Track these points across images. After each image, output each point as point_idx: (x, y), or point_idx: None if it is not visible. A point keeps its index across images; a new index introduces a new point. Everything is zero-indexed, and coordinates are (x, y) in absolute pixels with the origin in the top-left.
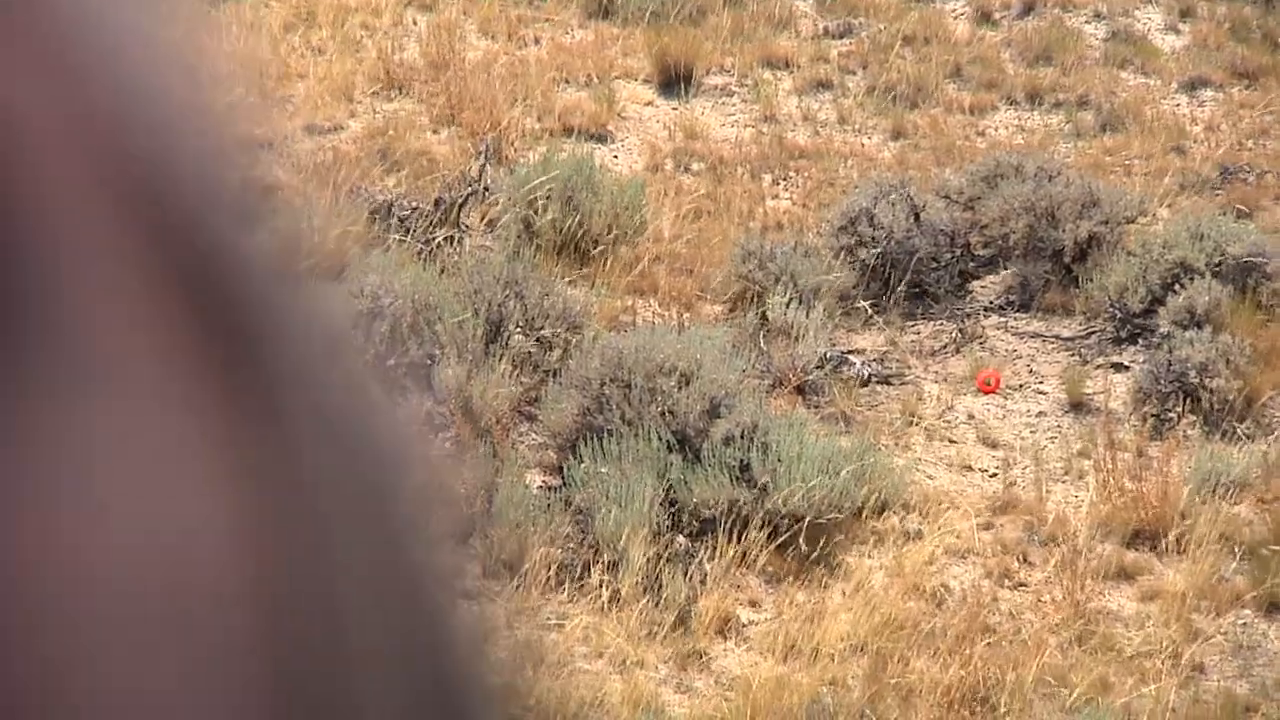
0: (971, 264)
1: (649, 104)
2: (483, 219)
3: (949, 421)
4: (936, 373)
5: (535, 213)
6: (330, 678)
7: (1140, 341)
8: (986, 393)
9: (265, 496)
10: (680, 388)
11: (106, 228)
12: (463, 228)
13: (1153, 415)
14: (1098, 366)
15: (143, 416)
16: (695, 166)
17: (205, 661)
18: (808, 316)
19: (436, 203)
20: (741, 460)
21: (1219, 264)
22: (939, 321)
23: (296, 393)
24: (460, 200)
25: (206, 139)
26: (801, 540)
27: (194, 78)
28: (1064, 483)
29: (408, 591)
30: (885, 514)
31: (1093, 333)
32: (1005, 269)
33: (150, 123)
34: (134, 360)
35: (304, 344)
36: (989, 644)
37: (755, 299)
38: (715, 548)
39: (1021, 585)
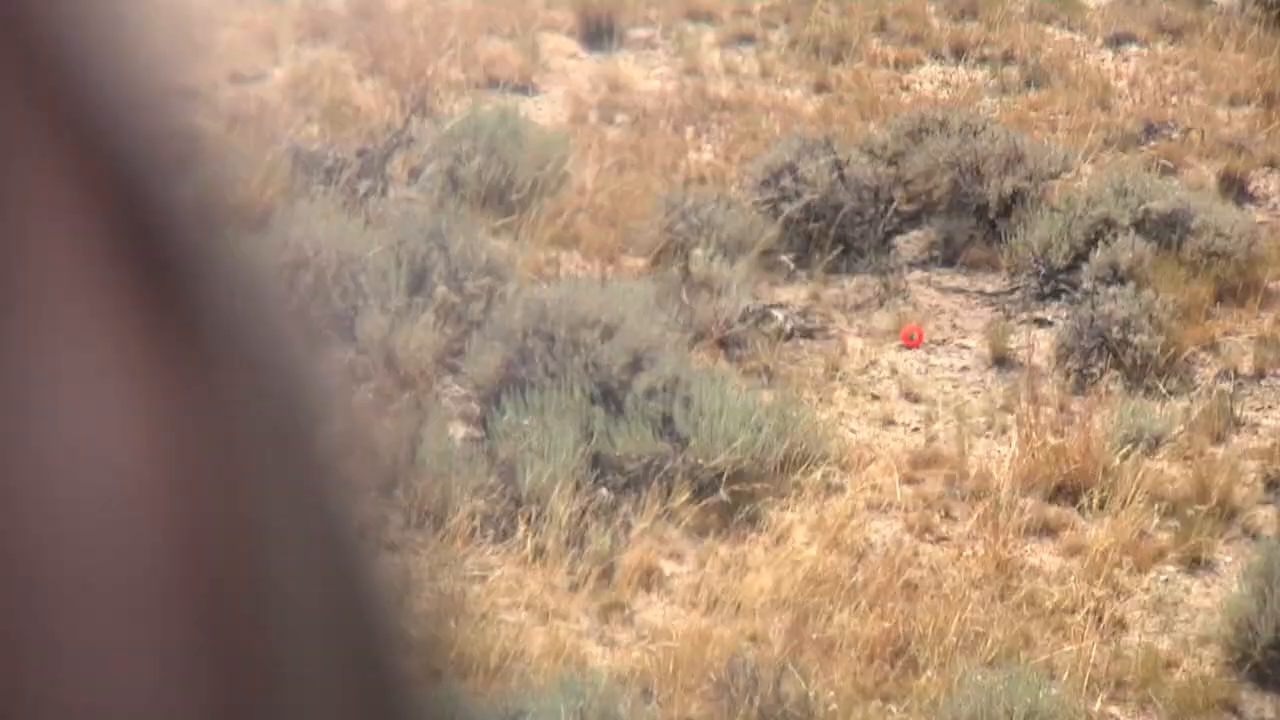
0: (895, 219)
1: (573, 56)
2: (407, 170)
3: (872, 376)
4: (860, 327)
5: (460, 164)
6: (249, 624)
7: (1064, 297)
8: (910, 346)
9: (187, 438)
10: (603, 340)
11: (34, 168)
12: (387, 179)
13: (1076, 370)
14: (1021, 322)
15: (73, 360)
16: (619, 119)
17: (132, 605)
18: (730, 270)
19: (361, 153)
20: (664, 414)
21: (1142, 220)
22: (863, 276)
23: (219, 337)
24: (385, 151)
25: (132, 86)
26: (724, 494)
27: (118, 24)
28: (987, 437)
29: (327, 538)
30: (807, 468)
31: (1016, 288)
32: (929, 224)
33: (78, 70)
34: (61, 305)
35: (227, 291)
36: (910, 598)
37: (678, 252)
38: (638, 501)
39: (943, 539)
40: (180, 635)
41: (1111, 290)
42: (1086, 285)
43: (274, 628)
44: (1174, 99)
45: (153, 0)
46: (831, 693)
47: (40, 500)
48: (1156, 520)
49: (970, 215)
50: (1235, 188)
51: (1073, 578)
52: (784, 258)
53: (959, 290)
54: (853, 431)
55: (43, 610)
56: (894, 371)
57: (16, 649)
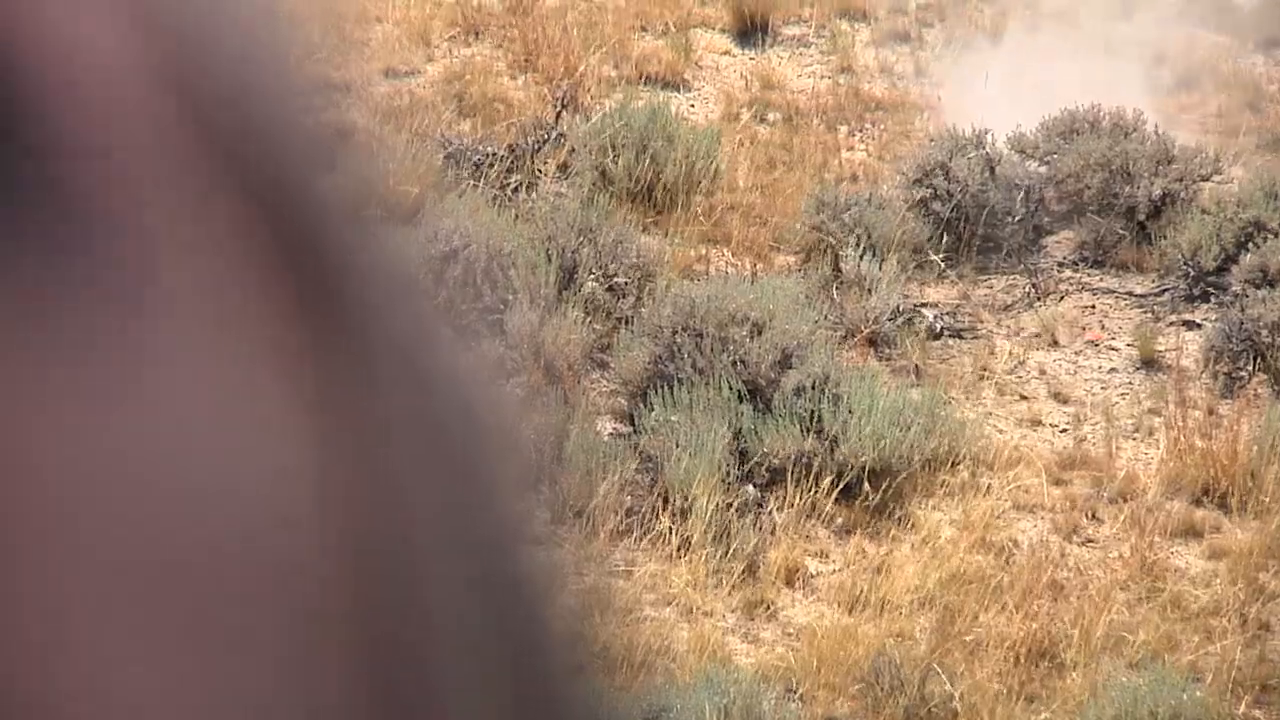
0: (1046, 219)
1: (726, 53)
2: (558, 166)
3: (1020, 376)
4: (1009, 327)
5: (610, 160)
6: (409, 622)
7: (1213, 300)
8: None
9: (342, 436)
10: (752, 337)
11: (184, 161)
12: (537, 174)
13: (1224, 373)
14: (1170, 324)
15: (222, 358)
16: (771, 117)
17: (285, 611)
18: (880, 269)
19: (511, 149)
20: (812, 411)
21: None
22: (1012, 276)
23: (370, 332)
24: (536, 147)
25: (284, 79)
26: (870, 492)
27: (271, 18)
28: (1134, 439)
29: (482, 533)
30: (954, 467)
31: (1165, 290)
32: (1079, 225)
33: (228, 62)
34: (213, 302)
35: (377, 285)
36: (1056, 599)
37: (828, 250)
38: (784, 498)
39: (1090, 541)
40: (335, 636)
41: (1261, 293)
42: (1236, 288)
43: (431, 625)
44: None
45: None
46: (977, 693)
47: (191, 505)
48: None
49: (1120, 216)
50: None
51: (1218, 580)
52: (934, 257)
53: (1108, 291)
54: (1000, 432)
55: (189, 626)
56: (1042, 372)
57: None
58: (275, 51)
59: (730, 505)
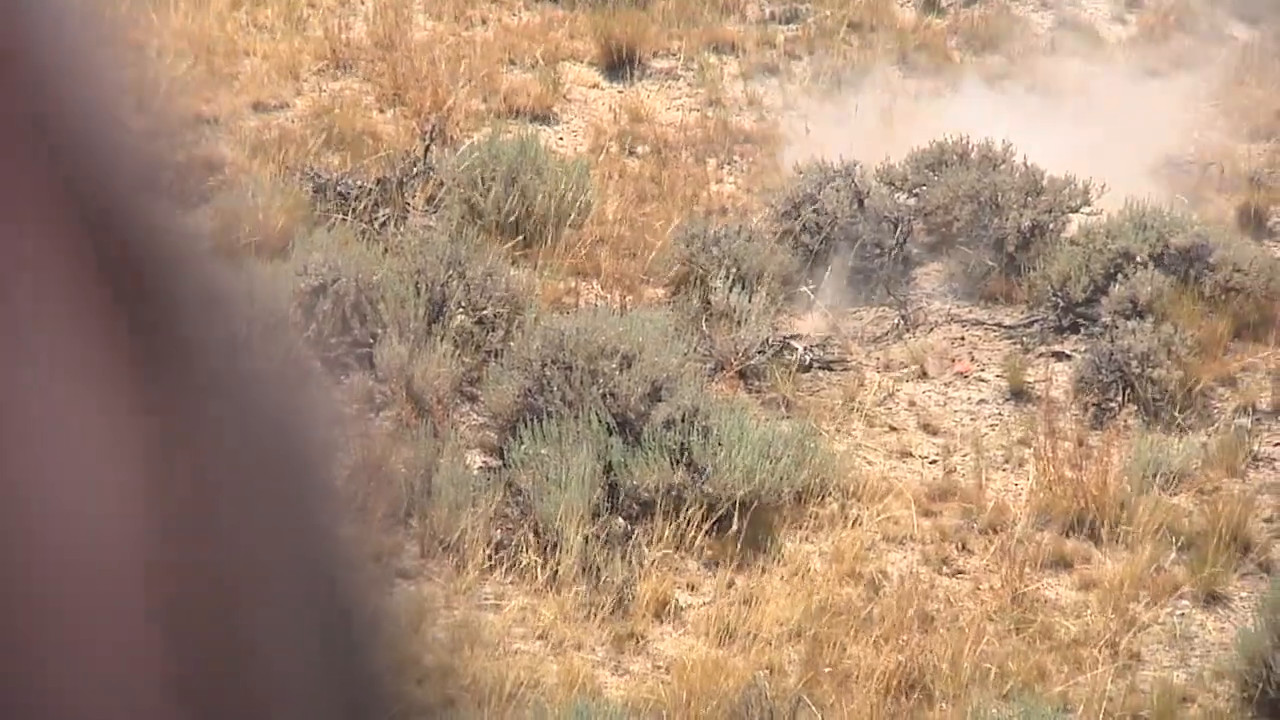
0: (915, 251)
1: (594, 86)
2: (427, 199)
3: (890, 408)
4: (878, 359)
5: (479, 193)
6: (259, 652)
7: (1082, 330)
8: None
9: (200, 465)
10: (621, 370)
11: (50, 198)
12: (407, 208)
13: (1094, 404)
14: (1039, 355)
15: (84, 381)
16: (640, 149)
17: (116, 638)
18: (750, 301)
19: (380, 182)
20: (682, 444)
21: (1161, 254)
22: (881, 308)
23: (223, 366)
24: (404, 180)
25: (153, 115)
26: (740, 524)
27: (139, 54)
28: (1004, 470)
29: (342, 566)
30: (824, 499)
31: (1035, 321)
32: (948, 256)
33: (89, 97)
34: (74, 328)
35: (236, 318)
36: (926, 631)
37: (698, 282)
38: (654, 531)
39: (960, 572)
40: (188, 663)
41: (1130, 324)
42: (1105, 319)
43: (285, 655)
44: (1194, 134)
45: (176, 30)
46: None
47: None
48: (1172, 554)
49: (989, 248)
50: (1254, 222)
51: (1088, 611)
52: (804, 289)
53: (977, 323)
54: (870, 463)
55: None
56: (912, 404)
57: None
58: (144, 86)
59: (600, 538)
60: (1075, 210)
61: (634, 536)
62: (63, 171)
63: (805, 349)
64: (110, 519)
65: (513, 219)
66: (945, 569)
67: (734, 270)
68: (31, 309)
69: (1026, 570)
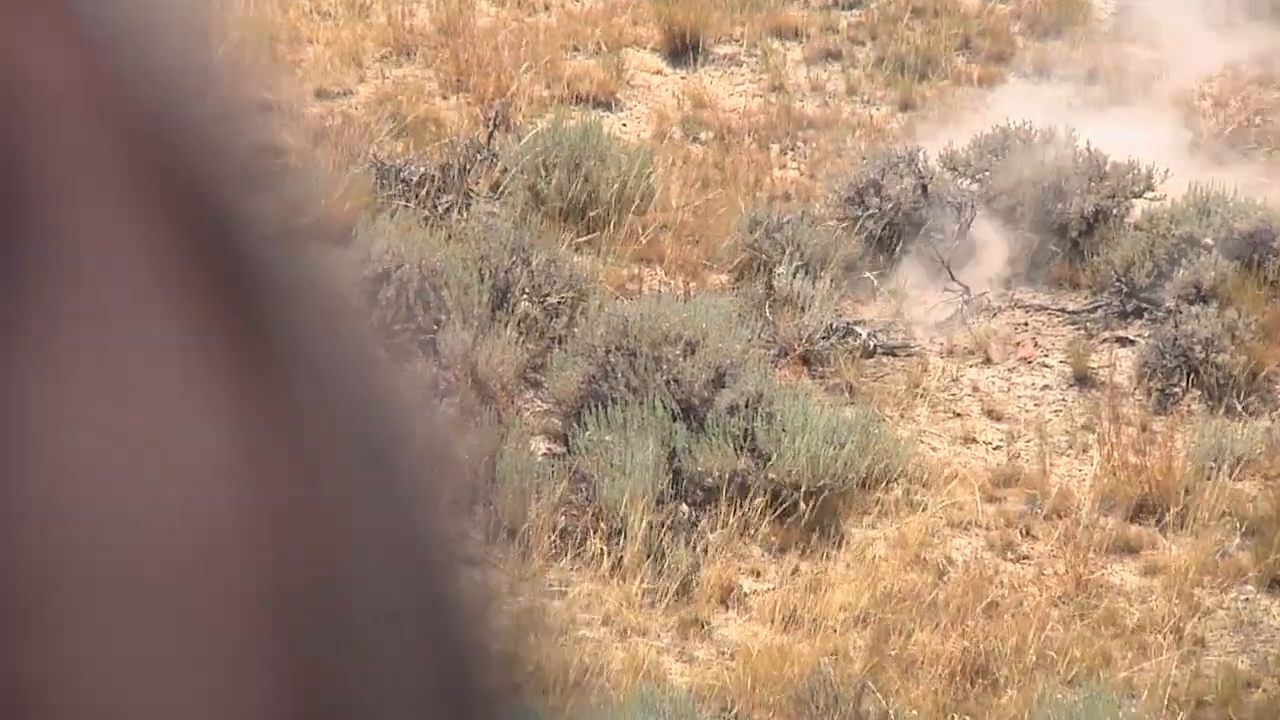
0: (978, 236)
1: (657, 73)
2: (490, 185)
3: (954, 393)
4: (942, 344)
5: (542, 179)
6: (335, 641)
7: (1146, 316)
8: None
9: (268, 455)
10: (685, 356)
11: (119, 184)
12: (470, 194)
13: (1157, 390)
14: (1103, 340)
15: (149, 365)
16: (703, 135)
17: (210, 626)
18: (814, 286)
19: (444, 168)
20: (746, 429)
21: (1226, 239)
22: (945, 293)
23: (301, 351)
24: (468, 166)
25: (215, 101)
26: (804, 510)
27: (203, 41)
28: (1068, 456)
29: (410, 554)
30: (889, 485)
31: (1098, 307)
32: (1012, 241)
33: (160, 85)
34: (144, 318)
35: (308, 304)
36: (990, 616)
37: (761, 268)
38: (718, 517)
39: (1024, 558)
40: (264, 655)
41: (1194, 309)
42: (1169, 304)
43: (357, 644)
44: (1258, 119)
45: (239, 17)
46: (912, 710)
47: (120, 522)
48: (1237, 539)
49: (1053, 233)
50: None
51: (1153, 596)
52: (867, 274)
53: (1041, 308)
54: (934, 449)
55: (114, 644)
56: (975, 389)
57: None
58: (206, 73)
59: (664, 524)
60: (1139, 195)
61: (698, 523)
62: (142, 155)
63: (869, 334)
64: (208, 501)
65: (576, 205)
66: (1010, 555)
67: (797, 256)
68: (122, 294)
69: (1091, 556)
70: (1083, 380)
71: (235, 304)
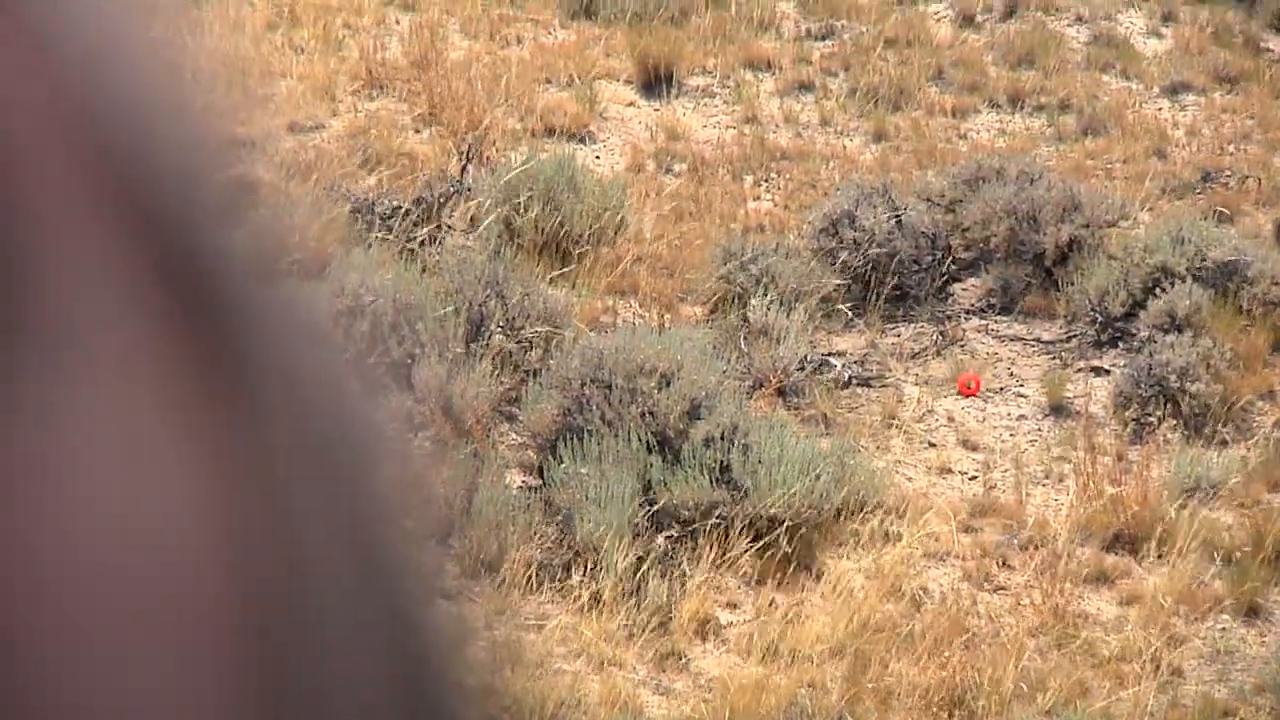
0: (953, 267)
1: (631, 104)
2: (464, 218)
3: (929, 424)
4: (917, 375)
5: (517, 213)
6: (304, 670)
7: (1120, 345)
8: (967, 395)
9: (242, 486)
10: (660, 388)
11: (88, 221)
12: (444, 227)
13: (1133, 419)
14: (1078, 370)
15: (123, 403)
16: (677, 167)
17: (182, 649)
18: (789, 318)
19: (418, 202)
20: (722, 462)
21: (1200, 268)
22: (919, 324)
23: (274, 386)
24: (442, 199)
25: (187, 136)
26: (781, 542)
27: (176, 76)
28: (1044, 486)
29: (382, 586)
30: (864, 516)
31: (1073, 336)
32: (986, 272)
33: (132, 120)
34: (114, 348)
35: (282, 339)
36: (967, 647)
37: (736, 300)
38: (695, 549)
39: (1001, 588)
40: (233, 686)
41: (1169, 339)
42: (1144, 334)
43: (330, 677)
44: (1231, 147)
45: (211, 51)
46: None
47: (85, 551)
48: (1213, 569)
49: (1027, 263)
50: None
51: (1130, 626)
52: (842, 306)
53: (1016, 338)
54: (909, 480)
55: (79, 668)
56: (951, 420)
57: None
58: (179, 109)
59: (641, 557)
60: (1113, 225)
61: (674, 555)
62: (112, 184)
63: (844, 366)
64: (177, 531)
65: (550, 238)
66: (986, 585)
67: (772, 288)
68: (91, 323)
69: (1067, 586)
70: (1058, 410)
71: (206, 334)
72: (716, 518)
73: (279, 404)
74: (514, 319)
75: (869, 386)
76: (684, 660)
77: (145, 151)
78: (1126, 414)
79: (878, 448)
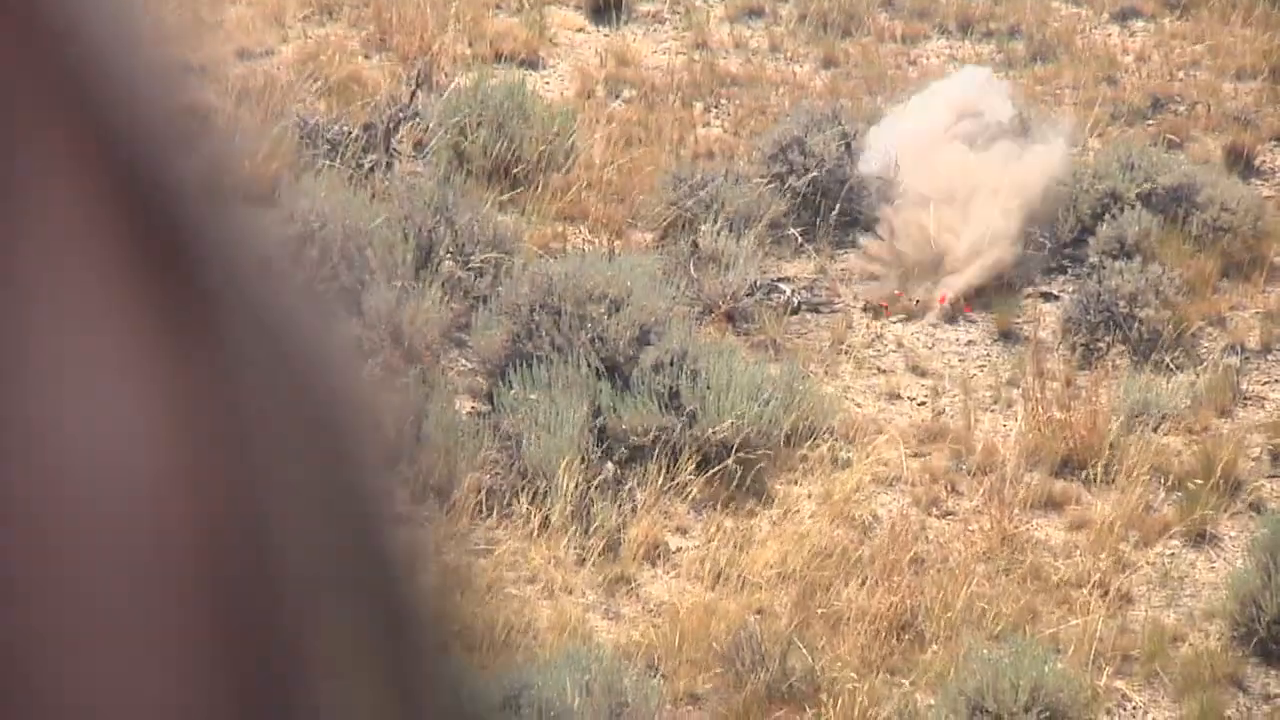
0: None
1: (580, 30)
2: (414, 145)
3: (878, 350)
4: (866, 301)
5: (466, 138)
6: (267, 591)
7: (1070, 271)
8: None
9: (200, 408)
10: (610, 315)
11: (43, 147)
12: (393, 153)
13: (1082, 345)
14: (1027, 296)
15: (80, 328)
16: (627, 93)
17: (148, 576)
18: (738, 244)
19: (367, 128)
20: (671, 387)
21: (1149, 194)
22: (868, 249)
23: (229, 309)
24: (391, 126)
25: (140, 63)
26: (730, 467)
27: (128, 4)
28: (993, 411)
29: (335, 512)
30: (814, 442)
31: (1022, 262)
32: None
33: (87, 47)
34: (70, 273)
35: (235, 263)
36: (916, 572)
37: (686, 226)
38: (644, 474)
39: (950, 514)
40: (194, 612)
41: (1118, 265)
42: (1093, 259)
43: (285, 602)
44: (1180, 74)
45: None
46: (838, 666)
47: (49, 486)
48: (1162, 494)
49: None
50: (1242, 162)
51: (1078, 552)
52: (791, 231)
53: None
54: (859, 406)
55: (52, 603)
56: (900, 345)
57: (25, 645)
58: (131, 36)
59: (590, 482)
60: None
61: (624, 480)
62: (69, 107)
63: (793, 291)
64: (144, 465)
65: (500, 164)
66: (935, 511)
67: (721, 214)
68: (59, 256)
69: (1016, 512)
70: (1007, 335)
71: (163, 263)
72: (666, 443)
73: (235, 324)
74: (463, 245)
75: (818, 312)
76: (633, 585)
77: (99, 80)
78: (1075, 339)
79: (827, 373)
